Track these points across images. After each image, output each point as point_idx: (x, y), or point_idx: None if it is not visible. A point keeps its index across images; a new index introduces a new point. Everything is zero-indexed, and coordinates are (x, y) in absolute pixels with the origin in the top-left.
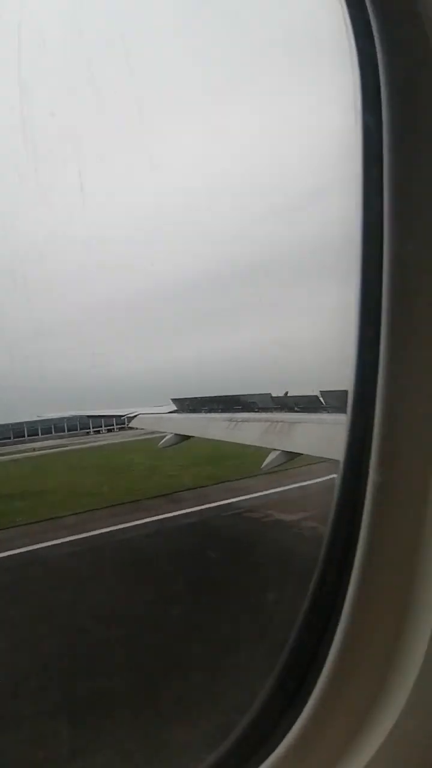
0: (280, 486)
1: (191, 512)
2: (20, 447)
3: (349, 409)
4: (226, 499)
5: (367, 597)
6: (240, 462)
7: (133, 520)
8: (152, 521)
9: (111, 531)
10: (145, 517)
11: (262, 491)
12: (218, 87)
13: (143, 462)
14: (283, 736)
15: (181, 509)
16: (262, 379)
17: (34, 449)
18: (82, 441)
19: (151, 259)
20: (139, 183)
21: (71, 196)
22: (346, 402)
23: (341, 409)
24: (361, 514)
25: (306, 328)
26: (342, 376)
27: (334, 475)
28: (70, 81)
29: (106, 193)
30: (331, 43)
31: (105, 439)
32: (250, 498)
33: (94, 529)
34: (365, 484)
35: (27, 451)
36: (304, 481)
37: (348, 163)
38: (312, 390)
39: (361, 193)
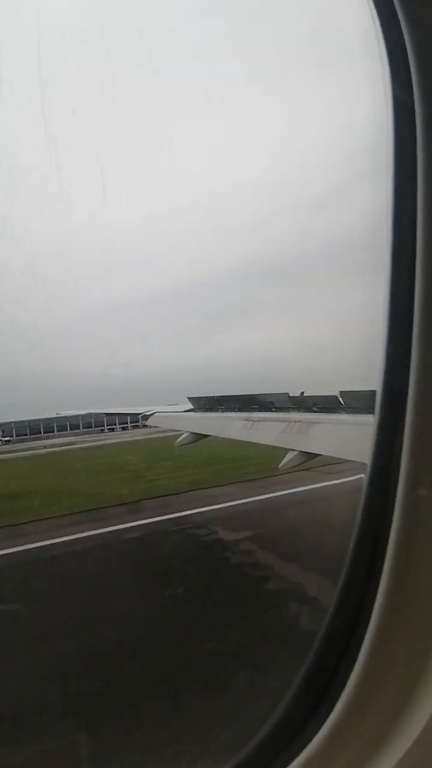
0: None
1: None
2: (33, 444)
3: (377, 412)
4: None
5: (394, 606)
6: (257, 462)
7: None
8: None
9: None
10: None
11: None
12: (240, 81)
13: (156, 461)
14: (308, 743)
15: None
16: (281, 378)
17: (44, 446)
18: (95, 438)
19: (170, 259)
20: (159, 181)
21: (91, 195)
22: (366, 403)
23: (361, 410)
24: (389, 524)
25: (328, 328)
26: (366, 377)
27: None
28: (90, 77)
29: (126, 191)
30: (358, 34)
31: (119, 436)
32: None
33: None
34: (394, 492)
35: (38, 449)
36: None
37: (377, 156)
38: (330, 390)
39: (392, 187)
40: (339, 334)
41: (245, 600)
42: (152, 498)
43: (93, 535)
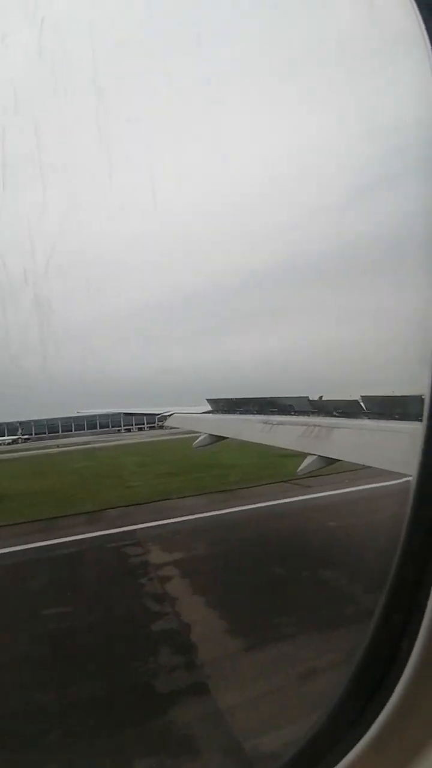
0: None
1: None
2: (48, 443)
3: (425, 418)
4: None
5: None
6: (275, 465)
7: None
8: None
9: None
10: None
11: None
12: (277, 84)
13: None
14: (360, 738)
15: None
16: (301, 381)
17: (57, 446)
18: (109, 439)
19: (202, 260)
20: (194, 183)
21: (141, 201)
22: (389, 408)
23: (384, 416)
24: None
25: (363, 330)
26: (398, 380)
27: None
28: (144, 82)
29: (165, 194)
30: (402, 28)
31: (134, 437)
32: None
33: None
34: None
35: (51, 447)
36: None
37: (420, 154)
38: (350, 395)
39: None
40: (377, 337)
41: None
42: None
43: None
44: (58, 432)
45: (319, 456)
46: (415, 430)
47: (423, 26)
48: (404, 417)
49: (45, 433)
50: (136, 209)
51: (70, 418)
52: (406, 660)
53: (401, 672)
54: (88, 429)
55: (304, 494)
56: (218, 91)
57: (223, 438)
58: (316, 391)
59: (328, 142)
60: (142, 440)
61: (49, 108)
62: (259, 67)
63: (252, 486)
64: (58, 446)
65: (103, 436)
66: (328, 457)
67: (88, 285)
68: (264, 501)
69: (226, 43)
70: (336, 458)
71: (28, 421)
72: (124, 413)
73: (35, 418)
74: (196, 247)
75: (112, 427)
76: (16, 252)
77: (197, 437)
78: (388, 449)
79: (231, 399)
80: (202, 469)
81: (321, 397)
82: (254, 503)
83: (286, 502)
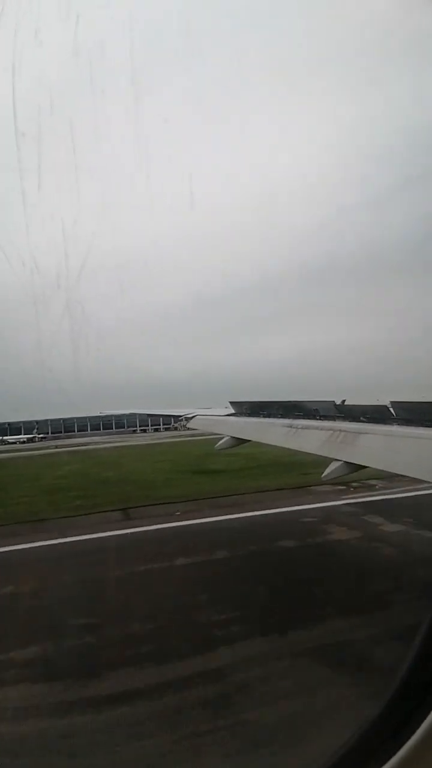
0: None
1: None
2: (56, 443)
3: None
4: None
5: None
6: (299, 470)
7: None
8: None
9: None
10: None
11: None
12: (310, 80)
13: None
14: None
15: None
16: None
17: (56, 446)
18: (122, 439)
19: (232, 262)
20: (223, 185)
21: (169, 198)
22: (420, 415)
23: (414, 422)
24: None
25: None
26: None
27: None
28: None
29: (196, 196)
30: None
31: (150, 437)
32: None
33: None
34: None
35: (49, 448)
36: None
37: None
38: (378, 399)
39: None
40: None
41: None
42: None
43: None
44: (74, 431)
45: (345, 462)
46: None
47: None
48: None
49: (61, 432)
50: (166, 212)
51: (94, 417)
52: None
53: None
54: (104, 429)
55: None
56: (251, 92)
57: (246, 441)
58: (344, 395)
59: (366, 141)
60: (157, 441)
61: (84, 107)
62: (296, 69)
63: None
64: (57, 446)
65: (117, 436)
66: (355, 463)
67: (120, 287)
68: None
69: (258, 45)
70: (363, 464)
71: (45, 420)
72: (147, 414)
73: (53, 417)
74: (226, 249)
75: (128, 427)
76: (49, 255)
77: (219, 439)
78: (419, 456)
79: (254, 402)
80: (272, 466)
81: (344, 401)
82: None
83: None
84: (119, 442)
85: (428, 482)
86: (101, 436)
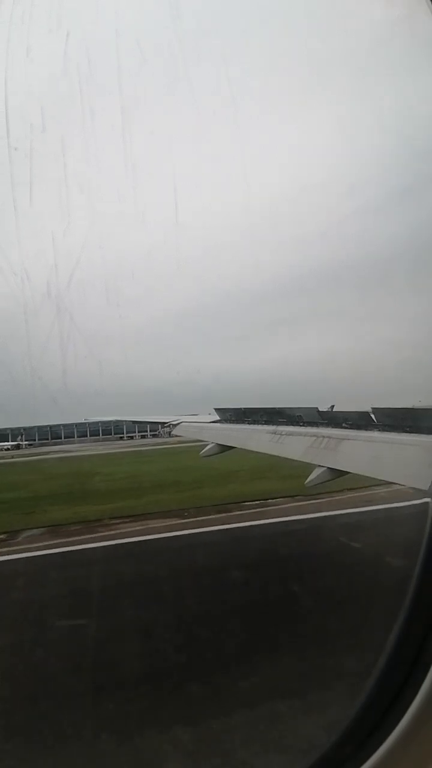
0: None
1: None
2: (39, 450)
3: None
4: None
5: None
6: (281, 476)
7: None
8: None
9: None
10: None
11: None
12: (299, 88)
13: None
14: (379, 746)
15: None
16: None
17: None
18: (97, 447)
19: (216, 273)
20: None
21: (155, 208)
22: (400, 420)
23: (394, 428)
24: None
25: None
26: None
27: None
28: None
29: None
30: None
31: (129, 445)
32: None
33: None
34: None
35: (16, 457)
36: None
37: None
38: (360, 406)
39: None
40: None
41: None
42: None
43: None
44: (61, 438)
45: (329, 468)
46: (424, 442)
47: None
48: (416, 430)
49: (48, 439)
50: (159, 224)
51: (72, 425)
52: (419, 685)
53: (420, 683)
54: (91, 436)
55: None
56: (241, 102)
57: (231, 447)
58: (329, 402)
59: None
60: (133, 449)
61: (74, 122)
62: (286, 78)
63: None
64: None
65: (98, 444)
66: (338, 469)
67: (107, 297)
68: None
69: (250, 55)
70: (345, 470)
71: (33, 427)
72: (132, 421)
73: (40, 424)
74: (209, 260)
75: (116, 434)
76: (39, 265)
77: (204, 446)
78: (400, 462)
79: (239, 408)
80: (255, 474)
81: (332, 407)
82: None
83: None
84: (103, 450)
85: (409, 487)
86: (90, 443)
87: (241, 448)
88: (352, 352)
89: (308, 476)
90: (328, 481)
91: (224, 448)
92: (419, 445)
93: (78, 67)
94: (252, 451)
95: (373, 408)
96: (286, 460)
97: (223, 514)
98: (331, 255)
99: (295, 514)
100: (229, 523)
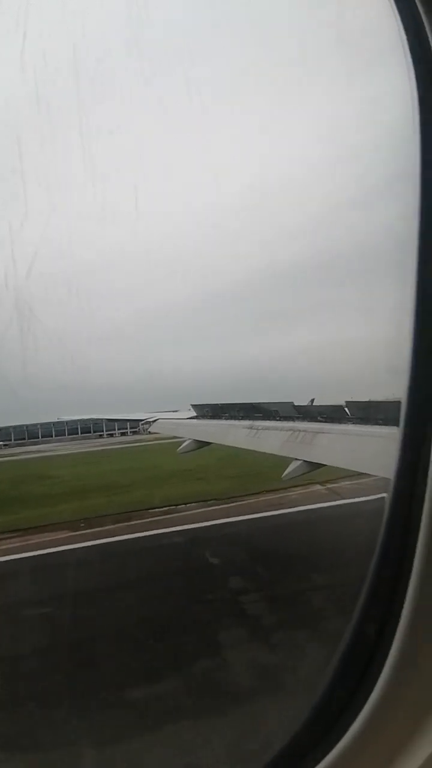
0: None
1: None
2: (16, 450)
3: (402, 424)
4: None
5: (419, 618)
6: (260, 471)
7: None
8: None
9: None
10: None
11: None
12: (274, 89)
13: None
14: (341, 737)
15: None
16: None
17: None
18: (75, 446)
19: (192, 269)
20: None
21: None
22: (371, 413)
23: (367, 420)
24: (416, 533)
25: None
26: (383, 386)
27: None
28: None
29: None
30: (383, 40)
31: (111, 443)
32: None
33: None
34: (420, 508)
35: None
36: None
37: (405, 160)
38: (335, 399)
39: (420, 191)
40: (357, 341)
41: None
42: None
43: None
44: (38, 438)
45: (304, 461)
46: (392, 434)
47: (404, 39)
48: (386, 422)
49: (25, 439)
50: (123, 217)
51: (50, 423)
52: (385, 658)
53: (381, 670)
54: (69, 435)
55: None
56: (206, 101)
57: (208, 443)
58: (309, 395)
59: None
60: (115, 447)
61: (33, 119)
62: (252, 76)
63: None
64: None
65: (76, 443)
66: (314, 462)
67: (73, 291)
68: None
69: (213, 53)
70: (320, 463)
71: (7, 427)
72: (107, 419)
73: (16, 423)
74: (185, 256)
75: (95, 432)
76: None
77: (181, 442)
78: (369, 454)
79: (216, 404)
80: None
81: (312, 400)
82: None
83: None
84: (75, 449)
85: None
86: (68, 442)
87: (218, 444)
88: (330, 345)
89: (269, 470)
90: (305, 473)
91: (201, 444)
92: (386, 436)
93: (36, 67)
94: (229, 446)
95: (346, 401)
96: (262, 455)
97: (124, 524)
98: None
99: (202, 521)
100: (117, 535)
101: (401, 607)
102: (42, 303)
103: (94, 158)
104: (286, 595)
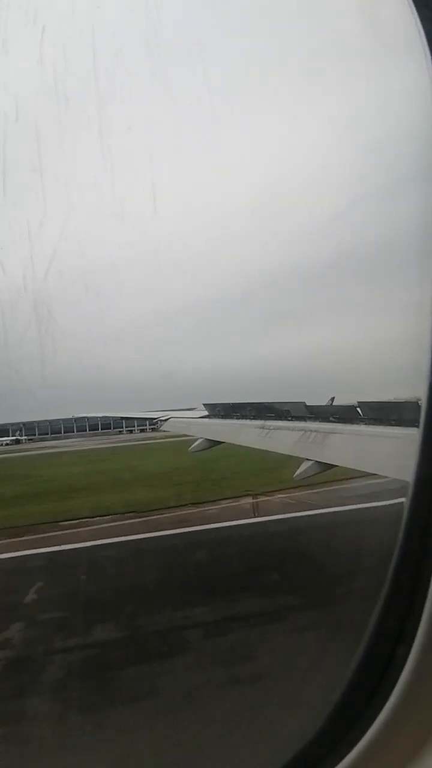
0: None
1: None
2: (39, 444)
3: (422, 424)
4: None
5: None
6: (271, 470)
7: None
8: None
9: None
10: None
11: None
12: (291, 86)
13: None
14: (361, 736)
15: None
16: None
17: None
18: (83, 443)
19: (201, 269)
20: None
21: (139, 204)
22: (385, 414)
23: (380, 421)
24: None
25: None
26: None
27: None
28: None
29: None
30: (400, 33)
31: (127, 440)
32: None
33: None
34: None
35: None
36: None
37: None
38: (349, 400)
39: None
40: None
41: None
42: None
43: None
44: (60, 433)
45: (316, 461)
46: (411, 436)
47: (423, 35)
48: (400, 423)
49: (48, 434)
50: (136, 217)
51: (72, 419)
52: (403, 663)
53: (399, 674)
54: (90, 431)
55: None
56: (220, 99)
57: (220, 442)
58: (321, 396)
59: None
60: (114, 444)
61: (50, 116)
62: (262, 74)
63: None
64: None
65: (84, 439)
66: (326, 462)
67: (89, 291)
68: None
69: (227, 51)
70: (332, 463)
71: (32, 422)
72: (121, 417)
73: (39, 419)
74: (195, 256)
75: (114, 428)
76: (16, 259)
77: (193, 441)
78: (383, 455)
79: (228, 403)
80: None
81: (333, 399)
82: None
83: None
84: (89, 445)
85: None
86: (89, 437)
87: (230, 443)
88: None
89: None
90: (316, 474)
91: (213, 443)
92: (402, 437)
93: (54, 61)
94: (241, 446)
95: (359, 402)
96: (274, 454)
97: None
98: (331, 249)
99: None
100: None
101: (421, 610)
102: (59, 304)
103: (111, 156)
104: None
